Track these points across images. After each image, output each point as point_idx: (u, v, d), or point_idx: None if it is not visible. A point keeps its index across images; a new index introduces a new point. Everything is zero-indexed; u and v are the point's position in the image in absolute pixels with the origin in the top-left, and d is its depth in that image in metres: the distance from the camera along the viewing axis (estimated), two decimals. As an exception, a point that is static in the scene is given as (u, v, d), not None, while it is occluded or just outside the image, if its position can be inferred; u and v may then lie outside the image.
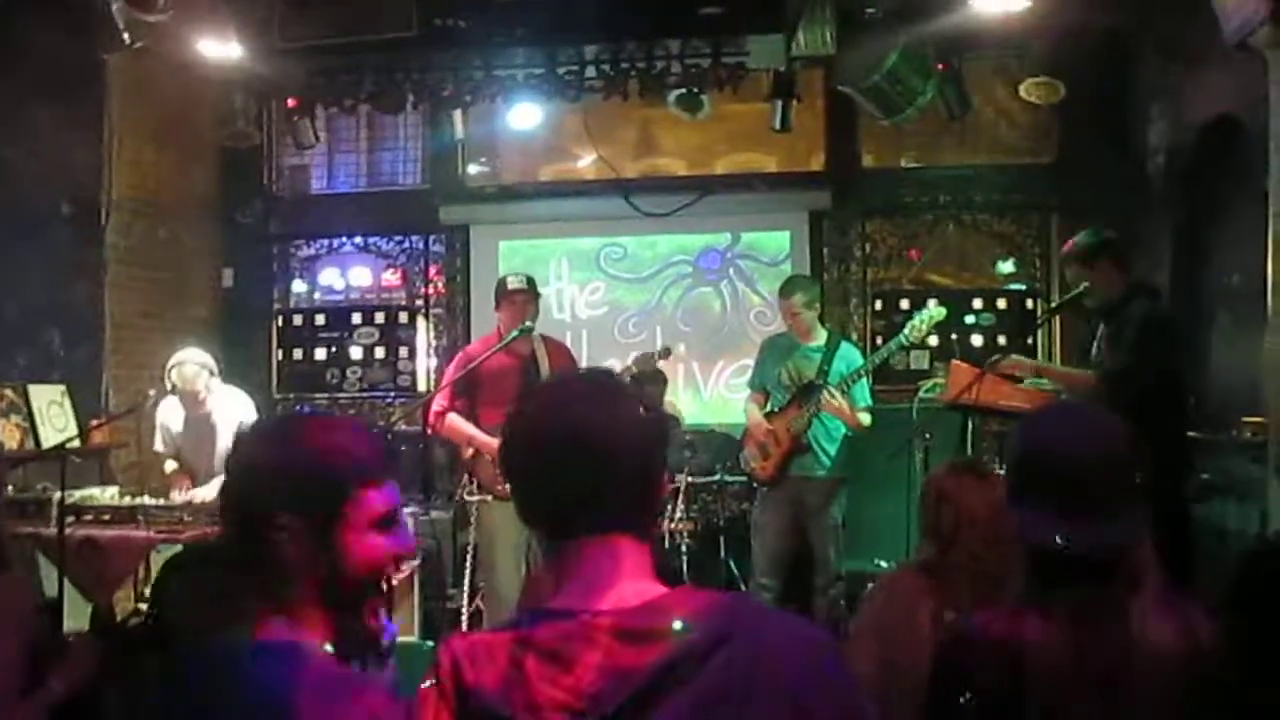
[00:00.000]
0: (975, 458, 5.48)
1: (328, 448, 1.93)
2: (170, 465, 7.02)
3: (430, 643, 7.07)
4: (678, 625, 1.59)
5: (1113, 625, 2.20)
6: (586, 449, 1.70)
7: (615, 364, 7.13)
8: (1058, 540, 2.21)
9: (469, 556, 6.76)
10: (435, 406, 6.53)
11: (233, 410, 6.82)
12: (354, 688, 1.87)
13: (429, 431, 6.92)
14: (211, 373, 6.78)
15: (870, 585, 4.49)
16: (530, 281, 6.55)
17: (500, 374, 6.38)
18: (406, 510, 7.57)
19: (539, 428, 1.76)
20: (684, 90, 7.73)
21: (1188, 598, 2.33)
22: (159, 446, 7.03)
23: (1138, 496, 2.27)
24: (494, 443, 6.29)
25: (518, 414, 1.81)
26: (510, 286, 6.51)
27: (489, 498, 6.42)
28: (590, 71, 6.80)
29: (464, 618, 6.80)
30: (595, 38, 6.58)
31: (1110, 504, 2.23)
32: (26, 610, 3.01)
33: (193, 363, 6.70)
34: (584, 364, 8.79)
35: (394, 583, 2.05)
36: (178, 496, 6.67)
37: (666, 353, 7.06)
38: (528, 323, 6.42)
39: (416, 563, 7.44)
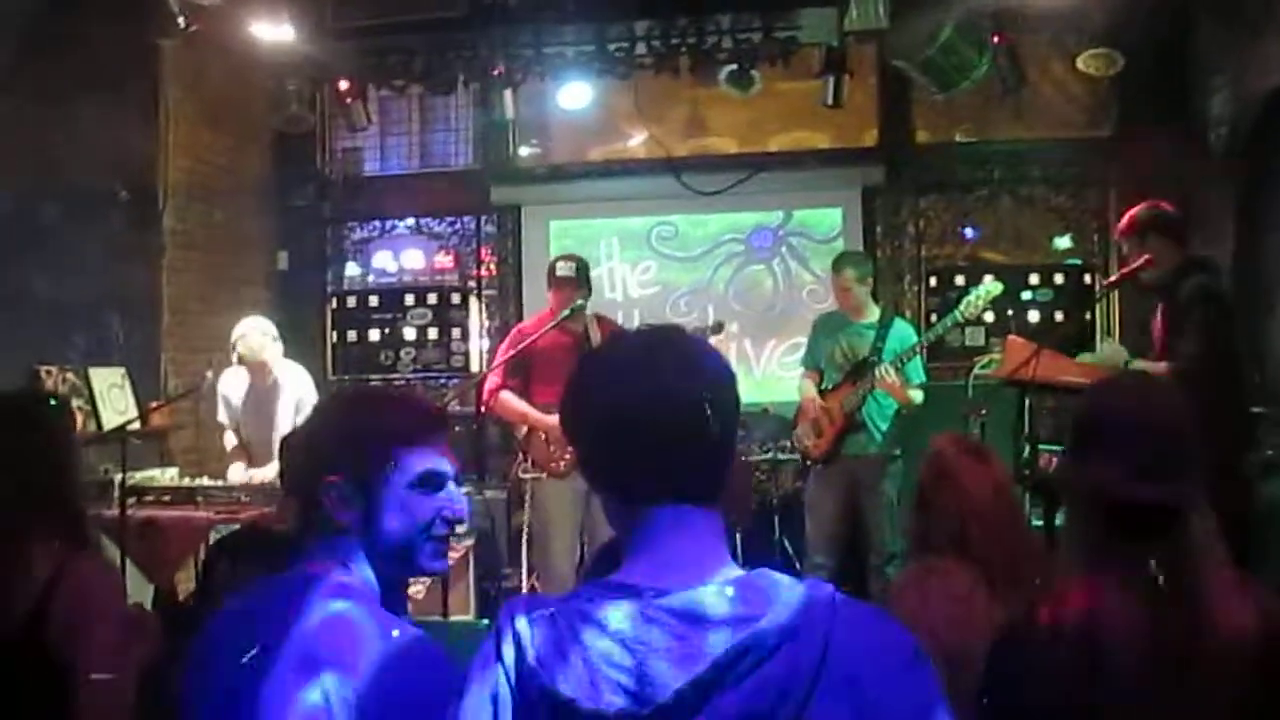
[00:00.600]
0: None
1: (369, 415, 2.15)
2: (229, 440, 7.09)
3: (486, 621, 7.10)
4: (747, 612, 1.51)
5: (1189, 607, 2.16)
6: (657, 409, 1.60)
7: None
8: (1123, 489, 2.19)
9: (524, 536, 6.78)
10: (489, 384, 6.55)
11: (297, 384, 6.91)
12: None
13: (483, 410, 6.94)
14: (275, 340, 6.87)
15: (900, 574, 4.39)
16: (580, 269, 6.53)
17: (553, 352, 6.39)
18: (461, 490, 7.62)
19: (603, 385, 1.66)
20: (735, 67, 7.69)
21: (1255, 579, 2.30)
22: (220, 417, 7.10)
23: (1198, 467, 2.26)
24: (548, 420, 6.34)
25: (581, 371, 1.73)
26: (559, 274, 6.50)
27: (543, 476, 6.45)
28: (640, 48, 6.76)
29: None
30: (645, 13, 6.55)
31: (1174, 465, 2.22)
32: (118, 586, 3.14)
33: (258, 332, 6.80)
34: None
35: (447, 537, 2.20)
36: (235, 476, 6.74)
37: (719, 327, 7.01)
38: (579, 300, 6.41)
39: (470, 542, 7.48)
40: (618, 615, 1.53)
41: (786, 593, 1.54)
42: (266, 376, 6.86)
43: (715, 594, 1.54)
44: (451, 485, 2.19)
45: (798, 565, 7.26)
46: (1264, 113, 6.91)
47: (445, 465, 2.17)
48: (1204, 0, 7.56)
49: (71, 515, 3.06)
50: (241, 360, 6.81)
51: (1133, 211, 5.89)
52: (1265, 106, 6.87)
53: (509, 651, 1.56)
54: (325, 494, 2.08)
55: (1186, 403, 2.34)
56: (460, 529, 2.22)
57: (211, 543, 6.18)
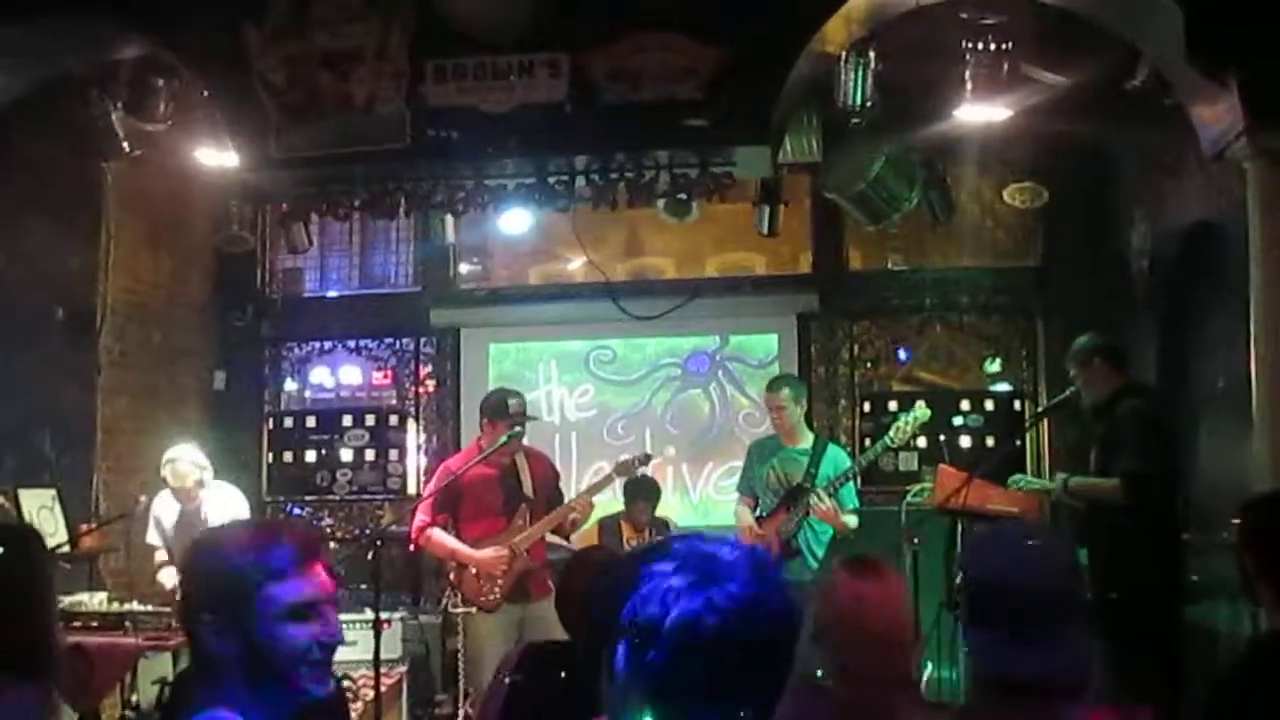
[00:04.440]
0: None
1: (234, 551, 2.18)
2: (160, 556, 7.10)
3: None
4: None
5: None
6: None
7: (604, 466, 7.17)
8: (1008, 668, 2.21)
9: (460, 663, 6.73)
10: (416, 522, 6.57)
11: (225, 507, 6.96)
12: None
13: (412, 548, 6.95)
14: (204, 468, 6.96)
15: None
16: (525, 405, 6.61)
17: (481, 485, 6.47)
18: (395, 615, 7.57)
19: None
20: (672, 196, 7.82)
21: (1136, 706, 2.35)
22: (151, 539, 7.15)
23: (1083, 622, 2.28)
24: (477, 555, 6.35)
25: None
26: (511, 409, 6.51)
27: (474, 610, 6.42)
28: (580, 181, 6.91)
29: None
30: (585, 149, 6.71)
31: (1057, 632, 2.23)
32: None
33: (186, 460, 6.90)
34: (570, 467, 8.84)
35: (326, 661, 2.23)
36: (168, 582, 6.72)
37: (647, 459, 7.12)
38: (517, 428, 6.45)
39: (404, 668, 7.41)
40: None
41: None
42: (194, 501, 6.94)
43: None
44: (327, 609, 2.23)
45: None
46: (1182, 247, 7.14)
47: (318, 593, 2.21)
48: (1124, 138, 7.83)
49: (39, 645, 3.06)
50: (167, 484, 6.91)
51: (1079, 341, 6.13)
52: (1183, 241, 7.11)
53: None
54: (201, 630, 2.15)
55: (1068, 557, 2.37)
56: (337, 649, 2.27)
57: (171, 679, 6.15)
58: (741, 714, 1.49)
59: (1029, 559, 2.33)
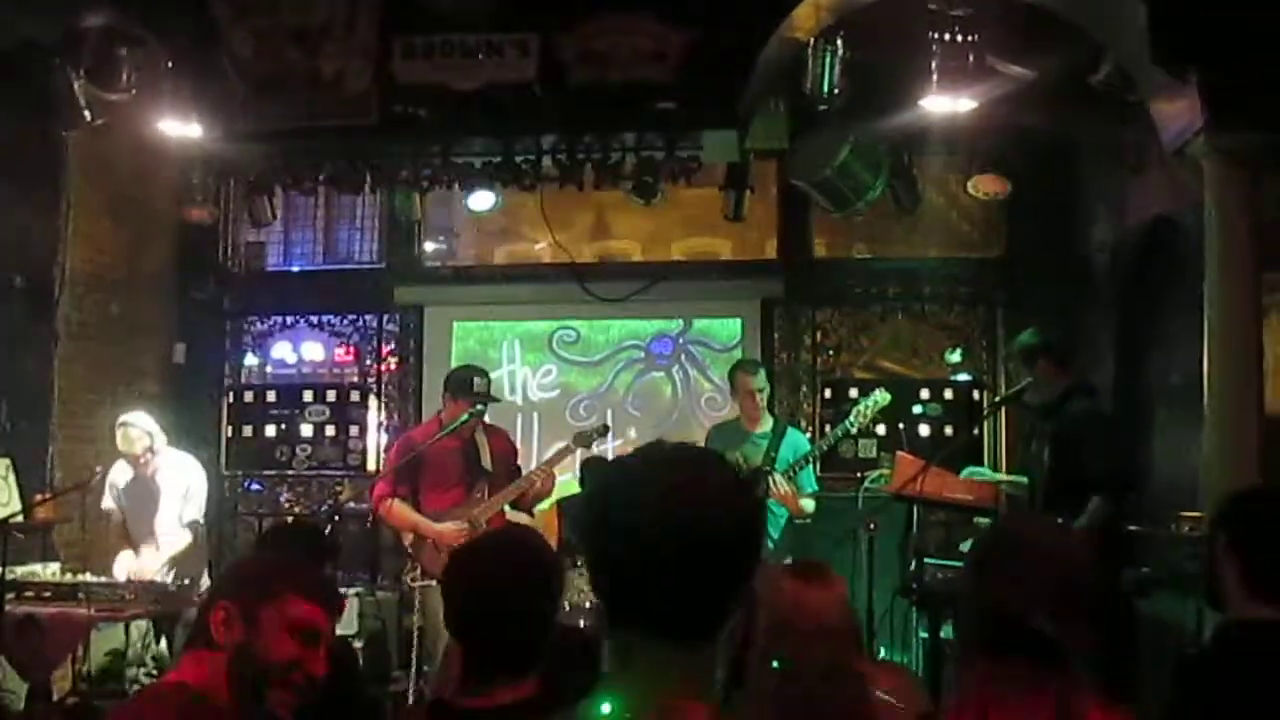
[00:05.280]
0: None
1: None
2: (115, 532, 7.08)
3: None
4: None
5: None
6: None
7: (561, 444, 7.21)
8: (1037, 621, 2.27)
9: (414, 639, 6.75)
10: (377, 493, 6.60)
11: (177, 476, 6.94)
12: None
13: (373, 518, 6.97)
14: (154, 434, 6.89)
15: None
16: (488, 385, 6.64)
17: (442, 458, 6.51)
18: (352, 591, 7.57)
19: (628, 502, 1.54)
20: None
21: (1120, 701, 2.39)
22: (105, 503, 7.09)
23: (1090, 614, 2.36)
24: (437, 527, 6.39)
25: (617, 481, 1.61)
26: (476, 389, 6.56)
27: (432, 583, 6.44)
28: (546, 161, 6.93)
29: (409, 700, 6.77)
30: (553, 129, 6.72)
31: (1077, 607, 2.30)
32: None
33: (137, 426, 6.84)
34: (531, 448, 8.86)
35: (300, 691, 2.32)
36: (122, 565, 6.66)
37: (605, 429, 7.16)
38: (478, 406, 6.49)
39: (360, 645, 7.41)
40: None
41: None
42: (146, 467, 6.89)
43: None
44: (322, 649, 2.33)
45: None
46: (1141, 242, 7.22)
47: (325, 630, 2.34)
48: (1087, 132, 7.89)
49: None
50: (120, 449, 6.86)
51: (1022, 336, 6.16)
52: (1142, 236, 7.18)
53: None
54: (215, 613, 2.28)
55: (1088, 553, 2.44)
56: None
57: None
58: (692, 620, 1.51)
59: (1067, 541, 2.47)
